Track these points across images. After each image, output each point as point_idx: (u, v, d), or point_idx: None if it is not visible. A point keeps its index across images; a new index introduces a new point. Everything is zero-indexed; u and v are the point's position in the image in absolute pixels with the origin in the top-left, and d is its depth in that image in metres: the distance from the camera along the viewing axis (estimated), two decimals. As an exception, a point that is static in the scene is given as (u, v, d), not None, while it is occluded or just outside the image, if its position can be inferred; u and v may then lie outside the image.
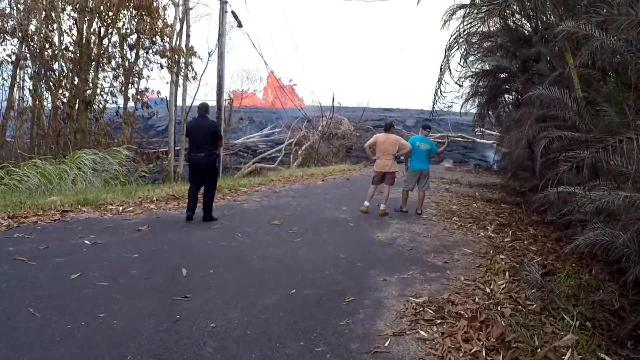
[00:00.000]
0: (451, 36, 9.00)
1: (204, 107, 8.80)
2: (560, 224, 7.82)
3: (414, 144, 10.20)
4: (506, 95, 14.45)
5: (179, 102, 22.74)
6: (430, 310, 4.77)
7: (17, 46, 16.27)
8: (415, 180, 10.33)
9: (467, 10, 8.29)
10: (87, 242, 6.78)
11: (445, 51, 8.55)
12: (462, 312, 4.75)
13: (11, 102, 16.70)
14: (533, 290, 5.41)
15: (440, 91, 9.77)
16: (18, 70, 17.00)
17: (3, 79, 17.35)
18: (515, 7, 9.52)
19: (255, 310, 4.59)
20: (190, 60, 20.09)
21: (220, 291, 5.09)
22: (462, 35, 7.88)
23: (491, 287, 5.62)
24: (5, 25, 14.91)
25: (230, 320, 4.33)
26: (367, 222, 9.30)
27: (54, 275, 5.34)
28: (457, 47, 8.44)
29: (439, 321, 4.53)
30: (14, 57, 16.62)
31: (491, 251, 7.37)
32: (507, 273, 6.14)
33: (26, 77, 17.51)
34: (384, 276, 5.87)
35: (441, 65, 9.21)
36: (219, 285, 5.28)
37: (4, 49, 16.64)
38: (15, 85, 17.13)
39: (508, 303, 5.06)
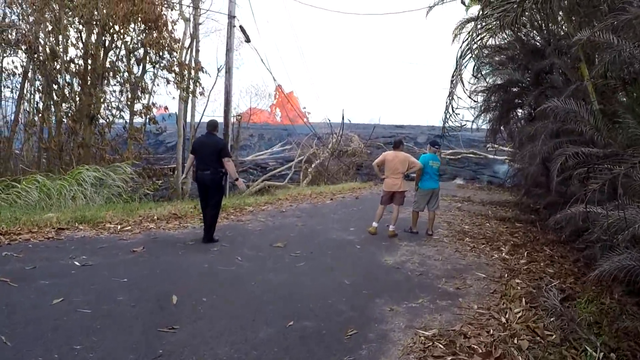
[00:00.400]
0: (463, 42, 8.58)
1: (212, 125, 8.60)
2: (578, 244, 7.42)
3: (427, 164, 9.78)
4: (519, 110, 14.07)
5: (188, 118, 22.58)
6: (440, 345, 4.34)
7: (25, 59, 16.15)
8: (426, 200, 9.89)
9: (475, 24, 7.91)
10: (77, 263, 6.47)
11: (457, 60, 8.11)
12: (475, 347, 4.33)
13: (18, 115, 16.51)
14: (552, 319, 4.99)
15: (452, 107, 9.26)
16: (26, 83, 16.84)
17: (11, 91, 17.33)
18: (526, 18, 9.13)
19: (247, 346, 4.18)
20: (197, 75, 19.85)
21: (211, 322, 4.69)
22: (474, 42, 7.49)
23: (507, 316, 5.19)
24: (9, 37, 14.72)
25: (218, 357, 3.94)
26: (375, 244, 8.86)
27: (36, 299, 5.03)
28: (470, 55, 7.98)
29: (450, 357, 4.10)
30: (21, 70, 16.54)
31: (506, 275, 6.95)
32: (523, 299, 5.72)
33: (33, 90, 17.37)
34: (390, 305, 5.43)
35: (452, 79, 8.75)
36: (210, 316, 4.88)
37: (13, 61, 16.52)
38: (23, 98, 16.95)
39: (525, 334, 4.64)
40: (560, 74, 9.70)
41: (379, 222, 9.82)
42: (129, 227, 9.02)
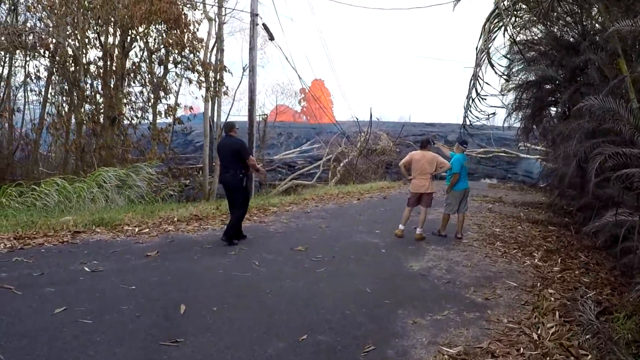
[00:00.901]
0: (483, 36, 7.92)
1: (228, 126, 8.56)
2: (614, 251, 6.93)
3: (462, 164, 9.34)
4: (552, 108, 13.51)
5: (214, 118, 22.43)
6: (465, 365, 3.95)
7: (48, 62, 16.16)
8: (459, 202, 9.47)
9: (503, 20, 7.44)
10: (86, 269, 6.25)
11: (483, 34, 7.54)
12: (503, 368, 3.93)
13: (43, 118, 16.53)
14: (587, 336, 4.55)
15: (477, 96, 8.67)
16: (50, 86, 16.86)
17: (36, 94, 17.36)
18: (561, 9, 8.61)
19: (254, 363, 3.85)
20: (220, 75, 19.64)
21: (218, 335, 4.39)
22: (509, 35, 7.04)
23: (539, 331, 4.79)
24: (27, 40, 14.68)
25: (220, 377, 3.62)
26: (401, 248, 8.48)
27: (37, 308, 4.81)
28: (496, 31, 7.48)
29: (475, 381, 3.71)
30: (46, 73, 16.55)
31: (538, 284, 6.51)
32: (557, 313, 5.28)
33: (55, 93, 17.37)
34: (413, 317, 5.06)
35: (475, 69, 8.16)
36: (218, 327, 4.58)
37: (36, 65, 16.52)
38: (48, 101, 16.99)
39: (559, 353, 4.26)
40: (596, 70, 9.22)
41: (405, 224, 9.43)
42: (147, 230, 8.81)
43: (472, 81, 8.61)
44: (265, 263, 7.03)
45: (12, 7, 15.88)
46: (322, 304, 5.37)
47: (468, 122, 9.57)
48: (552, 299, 5.79)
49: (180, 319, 4.75)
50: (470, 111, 9.15)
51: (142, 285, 5.68)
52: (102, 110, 16.77)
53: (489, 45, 7.98)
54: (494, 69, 8.86)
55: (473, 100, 8.84)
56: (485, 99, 8.85)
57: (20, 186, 11.53)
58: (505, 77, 8.23)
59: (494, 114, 8.90)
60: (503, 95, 12.36)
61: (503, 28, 7.65)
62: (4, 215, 9.37)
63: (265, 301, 5.41)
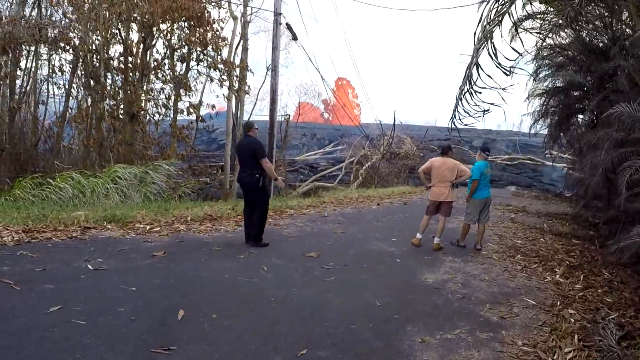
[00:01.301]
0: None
1: (247, 126, 8.47)
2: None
3: (483, 173, 9.01)
4: (579, 115, 13.17)
5: (237, 117, 22.38)
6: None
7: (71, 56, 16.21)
8: (479, 211, 9.11)
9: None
10: (90, 267, 6.13)
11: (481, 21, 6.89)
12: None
13: (66, 112, 16.60)
14: (608, 365, 4.23)
15: (470, 88, 7.81)
16: (73, 79, 16.90)
17: (58, 88, 17.47)
18: (588, 14, 8.20)
19: (244, 379, 3.63)
20: (243, 74, 19.54)
21: (214, 344, 4.19)
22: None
23: (555, 356, 4.48)
24: (48, 35, 14.68)
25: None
26: (417, 258, 8.18)
27: (33, 305, 4.69)
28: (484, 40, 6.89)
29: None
30: (69, 67, 16.60)
31: (558, 303, 6.16)
32: (576, 336, 4.95)
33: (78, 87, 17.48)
34: (422, 335, 4.78)
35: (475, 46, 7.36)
36: (215, 336, 4.37)
37: (60, 59, 16.54)
38: (71, 95, 17.06)
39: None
40: (626, 77, 8.91)
41: (423, 233, 9.11)
42: (158, 228, 8.67)
43: (467, 71, 7.89)
44: (273, 269, 6.81)
45: (37, 2, 15.98)
46: (328, 316, 5.13)
47: (457, 118, 8.71)
48: (572, 320, 5.48)
49: (177, 325, 4.56)
50: (461, 104, 8.21)
51: (143, 287, 5.52)
52: (122, 106, 16.78)
53: (493, 29, 7.45)
54: (494, 59, 7.57)
55: (465, 93, 8.06)
56: (480, 93, 8.00)
57: (35, 179, 11.50)
58: (507, 71, 7.41)
59: (488, 110, 7.96)
60: (528, 101, 11.90)
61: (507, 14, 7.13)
62: (16, 208, 9.34)
63: (268, 310, 5.19)
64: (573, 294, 6.62)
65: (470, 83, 7.67)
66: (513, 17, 7.63)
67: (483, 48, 7.21)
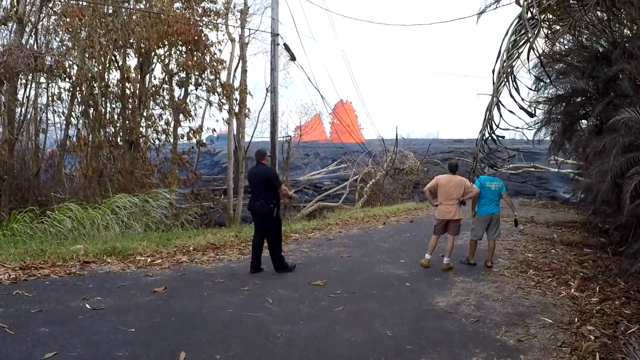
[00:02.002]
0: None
1: (260, 154, 8.35)
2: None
3: (484, 185, 8.78)
4: (583, 121, 13.20)
5: (238, 139, 22.24)
6: None
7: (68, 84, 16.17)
8: (484, 227, 8.90)
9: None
10: (88, 306, 5.93)
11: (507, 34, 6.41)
12: None
13: (66, 140, 16.51)
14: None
15: (492, 133, 7.02)
16: (72, 107, 16.85)
17: (57, 116, 17.45)
18: (587, 18, 7.95)
19: None
20: (242, 97, 19.44)
21: (217, 390, 3.93)
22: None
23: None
24: (43, 63, 14.59)
25: None
26: (427, 280, 7.95)
27: (26, 352, 4.49)
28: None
29: None
30: (68, 95, 16.55)
31: (576, 319, 5.95)
32: (597, 355, 4.73)
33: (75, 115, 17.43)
34: (437, 366, 4.52)
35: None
36: (219, 381, 4.11)
37: (59, 87, 16.52)
38: (71, 123, 16.97)
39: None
40: (629, 81, 8.77)
41: (432, 253, 8.89)
42: (160, 261, 8.49)
43: (486, 113, 7.10)
44: (279, 301, 6.58)
45: (33, 29, 15.96)
46: (337, 352, 4.90)
47: (480, 167, 8.05)
48: (592, 337, 5.27)
49: (177, 369, 4.32)
50: (482, 151, 7.47)
51: (143, 328, 5.29)
52: (120, 134, 16.67)
53: (513, 64, 6.99)
54: (516, 100, 6.68)
55: (487, 139, 7.33)
56: (504, 137, 7.30)
57: (32, 211, 11.33)
58: (531, 112, 6.75)
59: (513, 156, 7.55)
60: (532, 115, 11.72)
61: (528, 45, 6.65)
62: (13, 243, 9.15)
63: (273, 348, 4.95)
64: (590, 308, 6.42)
65: (491, 127, 7.06)
66: (537, 50, 7.13)
67: (503, 86, 6.79)
